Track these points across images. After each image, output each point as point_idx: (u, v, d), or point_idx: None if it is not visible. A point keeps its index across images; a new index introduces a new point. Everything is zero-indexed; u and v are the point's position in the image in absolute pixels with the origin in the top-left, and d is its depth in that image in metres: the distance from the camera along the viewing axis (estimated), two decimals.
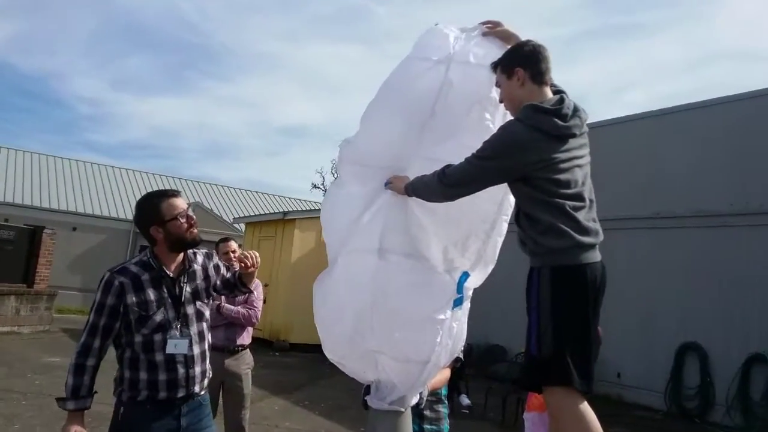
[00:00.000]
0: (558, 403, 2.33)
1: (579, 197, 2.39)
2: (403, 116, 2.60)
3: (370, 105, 2.66)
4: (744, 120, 9.73)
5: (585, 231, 2.35)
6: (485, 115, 2.59)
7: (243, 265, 2.81)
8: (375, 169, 2.64)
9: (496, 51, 2.61)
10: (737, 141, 9.69)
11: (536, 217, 2.39)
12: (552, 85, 2.55)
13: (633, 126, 11.48)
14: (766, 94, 9.67)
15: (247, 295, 4.86)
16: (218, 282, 2.88)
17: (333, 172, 30.04)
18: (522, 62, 2.46)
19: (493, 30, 2.69)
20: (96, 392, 2.53)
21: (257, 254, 2.87)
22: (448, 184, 2.39)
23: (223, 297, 4.74)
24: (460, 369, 2.90)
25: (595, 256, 2.40)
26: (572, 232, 2.32)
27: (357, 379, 2.68)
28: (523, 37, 2.60)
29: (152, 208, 2.69)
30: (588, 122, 2.54)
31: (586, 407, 2.31)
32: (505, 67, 2.49)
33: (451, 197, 2.45)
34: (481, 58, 2.61)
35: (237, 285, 2.92)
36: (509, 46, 2.60)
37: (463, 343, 2.74)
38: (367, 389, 2.66)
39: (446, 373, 3.03)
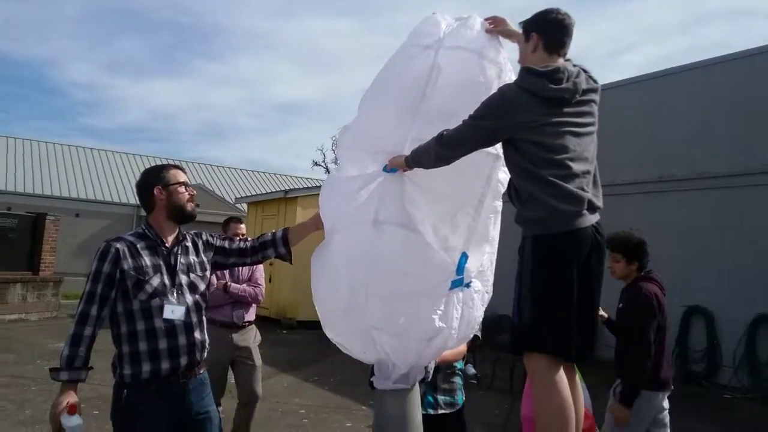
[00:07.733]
0: (534, 369, 2.44)
1: (564, 165, 2.38)
2: (396, 101, 2.67)
3: (366, 92, 2.75)
4: (744, 79, 9.62)
5: (568, 198, 2.35)
6: (476, 98, 2.56)
7: None
8: (372, 154, 2.68)
9: (486, 36, 2.67)
10: (738, 100, 9.59)
11: (520, 187, 2.46)
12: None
13: (634, 89, 11.34)
14: (765, 51, 9.54)
15: (251, 272, 4.90)
16: (221, 255, 2.88)
17: (333, 149, 29.68)
18: (541, 28, 2.54)
19: (496, 28, 2.70)
20: (92, 367, 2.50)
21: None
22: (443, 144, 2.43)
23: (228, 276, 4.76)
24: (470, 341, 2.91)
25: (582, 221, 2.40)
26: (551, 201, 2.34)
27: (359, 359, 2.67)
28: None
29: (158, 172, 2.78)
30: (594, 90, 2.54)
31: (560, 375, 2.40)
32: (525, 28, 2.58)
33: (447, 159, 2.46)
34: (471, 41, 2.65)
35: (264, 247, 2.94)
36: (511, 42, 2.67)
37: (476, 328, 2.72)
38: (373, 370, 2.65)
39: (462, 348, 3.03)
